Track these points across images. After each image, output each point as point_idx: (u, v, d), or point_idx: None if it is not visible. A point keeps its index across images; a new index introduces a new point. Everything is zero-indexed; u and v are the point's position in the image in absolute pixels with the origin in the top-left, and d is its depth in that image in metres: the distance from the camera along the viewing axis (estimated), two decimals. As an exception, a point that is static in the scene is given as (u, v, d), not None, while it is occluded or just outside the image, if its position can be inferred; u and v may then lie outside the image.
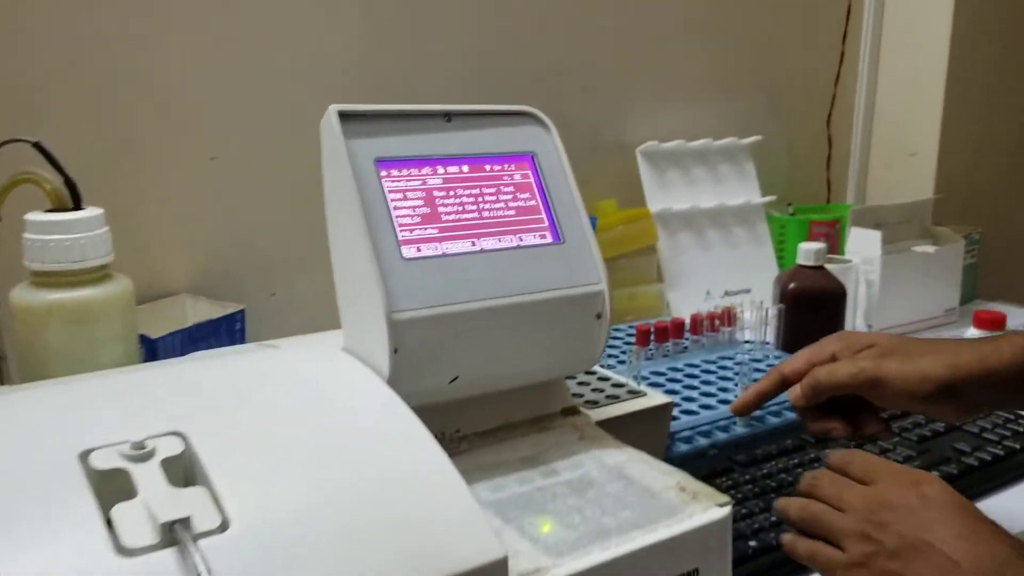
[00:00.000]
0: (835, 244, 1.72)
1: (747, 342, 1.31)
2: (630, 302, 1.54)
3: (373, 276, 0.73)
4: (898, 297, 1.56)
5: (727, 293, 1.66)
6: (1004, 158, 2.07)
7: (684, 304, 1.60)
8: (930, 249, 1.59)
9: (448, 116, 0.84)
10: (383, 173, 0.78)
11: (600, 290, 0.84)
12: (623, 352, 1.26)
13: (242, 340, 1.17)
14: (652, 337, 1.24)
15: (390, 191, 0.78)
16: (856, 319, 1.52)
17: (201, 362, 0.80)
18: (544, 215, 0.85)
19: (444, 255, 0.78)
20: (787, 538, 0.78)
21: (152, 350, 1.06)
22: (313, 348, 0.83)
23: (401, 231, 0.77)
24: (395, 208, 0.77)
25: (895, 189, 1.98)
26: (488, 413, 0.85)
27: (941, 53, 1.89)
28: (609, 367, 1.19)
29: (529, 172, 0.86)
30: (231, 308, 1.17)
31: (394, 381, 0.74)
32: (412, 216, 0.78)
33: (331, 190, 0.79)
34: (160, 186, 1.21)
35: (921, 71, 1.94)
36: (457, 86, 1.44)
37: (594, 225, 1.45)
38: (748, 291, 1.67)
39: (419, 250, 0.77)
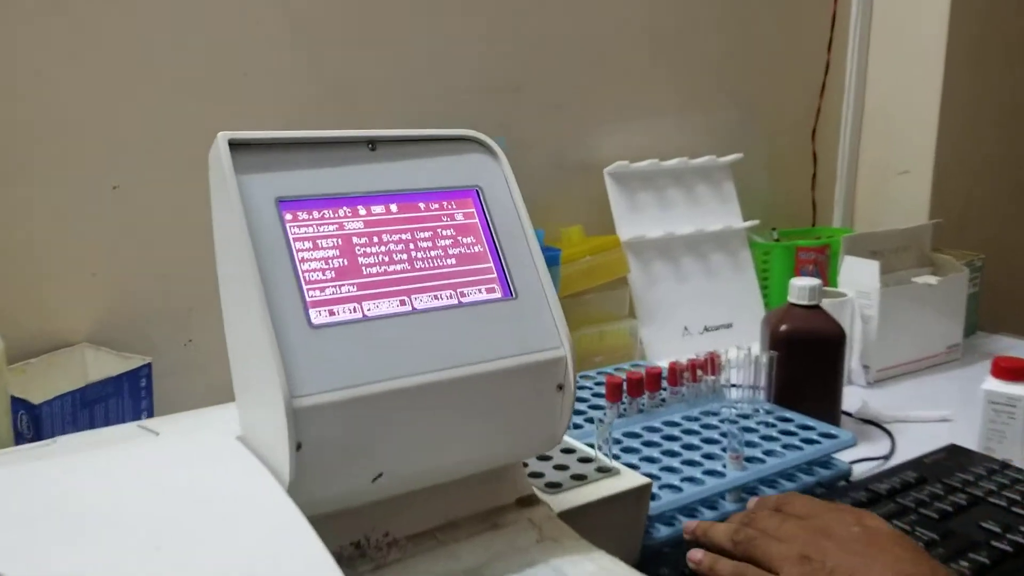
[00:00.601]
0: (824, 272, 1.58)
1: (734, 385, 1.15)
2: (599, 342, 1.40)
3: (269, 350, 0.57)
4: (897, 334, 1.42)
5: (707, 329, 1.52)
6: (1005, 176, 1.94)
7: (659, 343, 1.46)
8: (932, 280, 1.45)
9: (372, 143, 0.68)
10: (287, 217, 0.62)
11: (561, 356, 0.69)
12: (591, 407, 1.11)
13: (148, 399, 1.01)
14: (624, 390, 1.08)
15: (296, 239, 0.62)
16: (851, 360, 1.37)
17: (45, 466, 0.64)
18: (492, 264, 0.70)
19: (365, 319, 0.62)
20: (700, 555, 0.77)
21: (35, 418, 0.90)
22: (200, 437, 0.67)
23: (309, 290, 0.61)
24: (302, 261, 0.61)
25: (886, 210, 1.85)
26: (425, 511, 0.69)
27: (936, 61, 1.75)
28: (574, 425, 1.05)
29: (474, 211, 0.70)
30: (136, 362, 1.01)
31: (298, 485, 0.59)
32: (324, 270, 0.62)
33: (220, 237, 0.63)
34: (55, 218, 1.04)
35: (914, 81, 1.80)
36: (399, 105, 1.28)
37: (557, 257, 1.33)
38: (730, 326, 1.54)
39: (332, 314, 0.61)
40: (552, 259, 1.25)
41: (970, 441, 1.12)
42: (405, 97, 1.29)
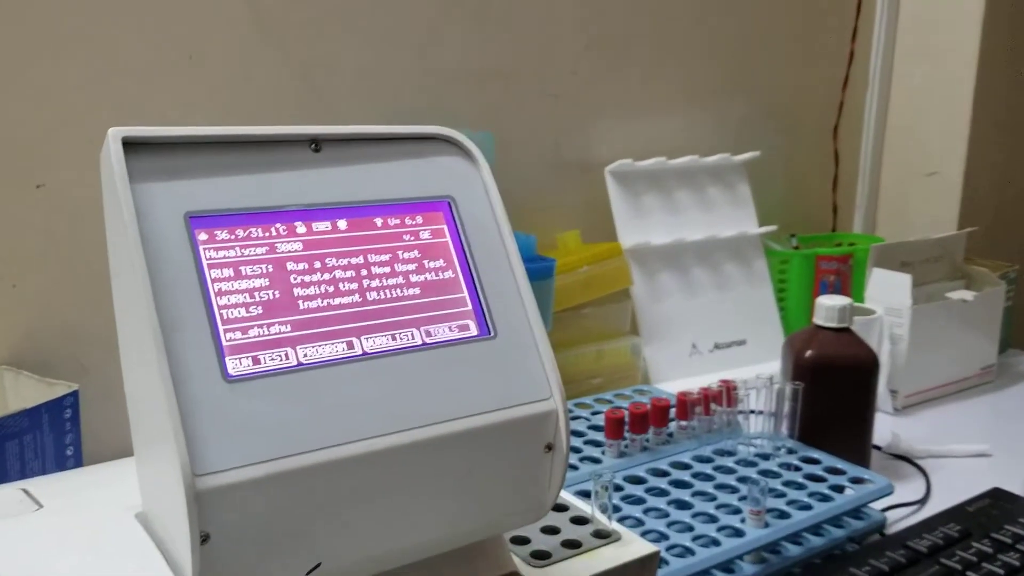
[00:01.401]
0: (846, 284, 1.46)
1: (752, 411, 1.02)
2: (597, 362, 1.28)
3: (165, 411, 0.43)
4: (929, 355, 1.30)
5: (717, 346, 1.39)
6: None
7: (664, 362, 1.35)
8: (968, 296, 1.32)
9: (315, 143, 0.55)
10: (201, 237, 0.49)
11: (551, 409, 0.56)
12: (587, 442, 0.98)
13: (74, 432, 0.87)
14: (626, 426, 0.94)
15: (211, 265, 0.48)
16: (878, 385, 1.24)
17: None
18: (467, 294, 0.56)
19: (300, 367, 0.49)
20: None
21: (-69, 459, 0.76)
22: (91, 515, 0.53)
23: (227, 331, 0.47)
24: (218, 293, 0.48)
25: (911, 215, 1.74)
26: (379, 599, 0.55)
27: (969, 54, 1.63)
28: (570, 466, 0.91)
29: (444, 227, 0.57)
30: (60, 389, 0.87)
31: (205, 586, 0.44)
32: (248, 306, 0.49)
33: (115, 260, 0.50)
34: (-30, 221, 0.91)
35: (945, 74, 1.68)
36: (372, 95, 1.15)
37: (551, 267, 1.19)
38: (743, 343, 1.42)
39: (256, 362, 0.48)
40: (546, 270, 1.13)
41: (1014, 481, 1.01)
42: (379, 86, 1.16)
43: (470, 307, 0.55)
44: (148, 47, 0.99)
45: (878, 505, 0.93)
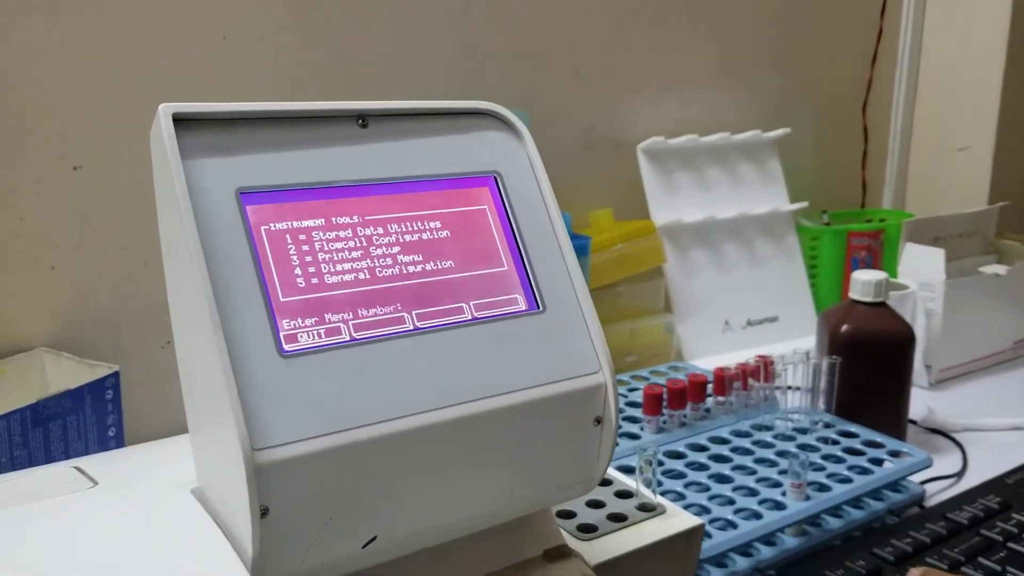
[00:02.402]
0: (877, 260, 1.45)
1: (789, 388, 1.01)
2: (631, 339, 1.27)
3: (223, 387, 0.43)
4: (963, 330, 1.29)
5: (750, 323, 1.39)
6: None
7: (698, 339, 1.34)
8: (1001, 270, 1.31)
9: (362, 119, 0.55)
10: (252, 213, 0.49)
11: (600, 383, 0.56)
12: (625, 419, 0.98)
13: (116, 414, 0.88)
14: (665, 403, 0.94)
15: (263, 241, 0.49)
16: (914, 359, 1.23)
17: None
18: (514, 269, 0.56)
19: (353, 342, 0.49)
20: None
21: (-24, 441, 0.77)
22: (147, 491, 0.53)
23: (280, 308, 0.47)
24: (270, 270, 0.48)
25: (941, 191, 1.72)
26: (431, 570, 0.56)
27: (1000, 28, 1.62)
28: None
29: (490, 204, 0.56)
30: (101, 370, 0.88)
31: (265, 561, 0.45)
32: (299, 282, 0.48)
33: (166, 238, 0.50)
34: (6, 203, 0.91)
35: (974, 49, 1.66)
36: (406, 75, 1.15)
37: (586, 245, 1.19)
38: (775, 319, 1.41)
39: (310, 337, 0.47)
40: (580, 248, 1.13)
41: None
42: (411, 66, 1.16)
43: (518, 282, 0.55)
44: (183, 29, 0.99)
45: (916, 478, 0.93)
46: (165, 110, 0.47)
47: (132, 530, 0.49)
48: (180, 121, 0.48)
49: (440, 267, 0.53)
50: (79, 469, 0.57)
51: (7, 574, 0.45)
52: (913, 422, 1.11)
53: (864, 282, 1.02)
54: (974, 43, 1.66)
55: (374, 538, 0.49)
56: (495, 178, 0.57)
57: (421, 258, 0.53)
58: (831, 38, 1.67)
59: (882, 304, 1.03)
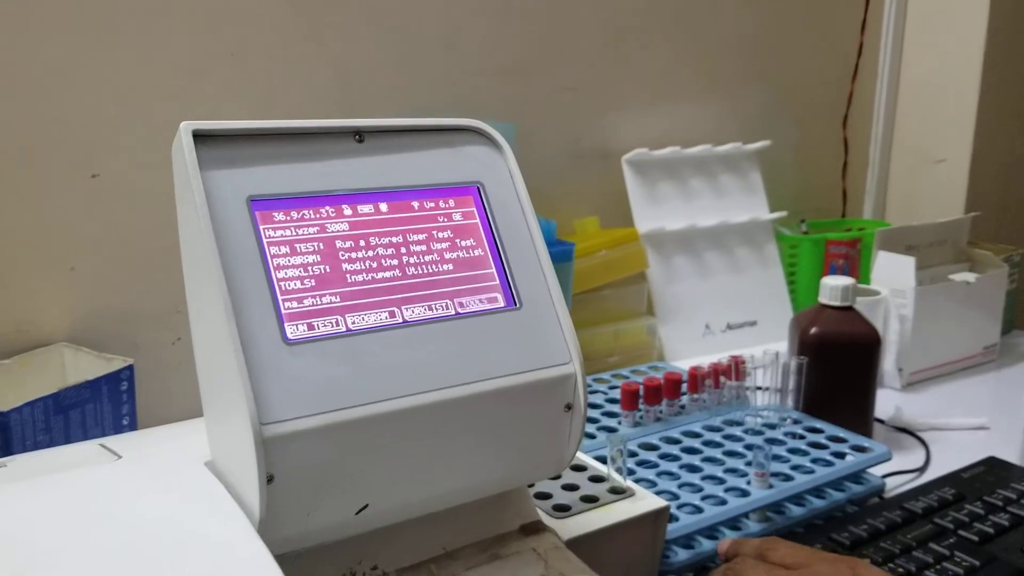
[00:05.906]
0: (855, 267, 1.50)
1: (759, 388, 1.07)
2: (615, 341, 1.32)
3: (235, 369, 0.50)
4: (933, 335, 1.34)
5: (729, 327, 1.44)
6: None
7: (679, 342, 1.39)
8: (970, 278, 1.36)
9: (359, 135, 0.61)
10: (260, 218, 0.55)
11: (570, 373, 0.62)
12: (604, 414, 1.04)
13: (130, 403, 0.94)
14: (641, 398, 1.00)
15: (270, 243, 0.55)
16: (884, 363, 1.29)
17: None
18: (494, 270, 0.62)
19: (349, 332, 0.55)
20: None
21: (2, 427, 0.83)
22: (164, 462, 0.60)
23: (285, 301, 0.54)
24: (277, 268, 0.54)
25: (919, 201, 1.77)
26: (418, 541, 0.63)
27: (976, 45, 1.67)
28: (586, 435, 0.97)
29: (474, 210, 0.63)
30: (117, 363, 0.94)
31: (271, 522, 0.52)
32: (303, 279, 0.55)
33: (186, 239, 0.56)
34: (29, 208, 0.97)
35: (952, 65, 1.71)
36: (402, 91, 1.20)
37: (571, 251, 1.24)
38: (754, 324, 1.47)
39: (311, 328, 0.54)
40: (566, 253, 1.18)
41: (1010, 453, 1.05)
42: (408, 82, 1.22)
43: (497, 281, 0.62)
44: (195, 46, 1.05)
45: (878, 472, 0.98)
46: (186, 127, 0.54)
47: (154, 495, 0.55)
48: (198, 136, 0.54)
49: (427, 267, 0.59)
50: (104, 446, 0.64)
51: (46, 530, 0.51)
52: (881, 421, 1.17)
53: (832, 287, 1.08)
54: (952, 60, 1.71)
55: (366, 506, 0.56)
56: (478, 188, 0.63)
57: (410, 259, 0.59)
58: (812, 54, 1.71)
59: (849, 308, 1.08)
